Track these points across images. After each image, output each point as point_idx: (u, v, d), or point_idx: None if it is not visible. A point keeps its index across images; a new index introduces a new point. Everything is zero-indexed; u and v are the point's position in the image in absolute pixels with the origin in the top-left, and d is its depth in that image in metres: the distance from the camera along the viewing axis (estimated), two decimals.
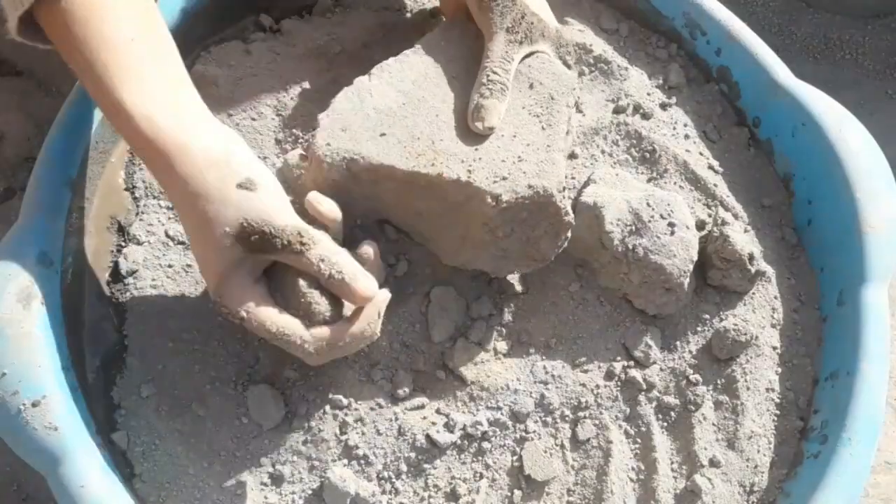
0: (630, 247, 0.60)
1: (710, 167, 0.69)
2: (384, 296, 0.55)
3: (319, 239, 0.53)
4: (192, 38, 0.69)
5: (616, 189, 0.63)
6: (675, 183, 0.68)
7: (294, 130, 0.67)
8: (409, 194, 0.57)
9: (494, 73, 0.59)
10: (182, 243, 0.63)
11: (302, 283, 0.53)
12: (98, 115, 0.64)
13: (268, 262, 0.54)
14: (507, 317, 0.62)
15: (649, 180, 0.67)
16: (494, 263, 0.59)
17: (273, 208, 0.53)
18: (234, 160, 0.53)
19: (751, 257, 0.62)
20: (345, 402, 0.58)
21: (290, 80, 0.69)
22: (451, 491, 0.57)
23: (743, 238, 0.62)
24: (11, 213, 0.71)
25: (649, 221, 0.60)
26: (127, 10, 0.54)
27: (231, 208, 0.52)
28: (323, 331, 0.53)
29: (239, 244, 0.52)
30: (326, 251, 0.53)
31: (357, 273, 0.53)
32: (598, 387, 0.60)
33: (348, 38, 0.72)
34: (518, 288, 0.62)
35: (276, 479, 0.56)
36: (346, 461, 0.56)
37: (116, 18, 0.53)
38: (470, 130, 0.58)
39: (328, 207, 0.55)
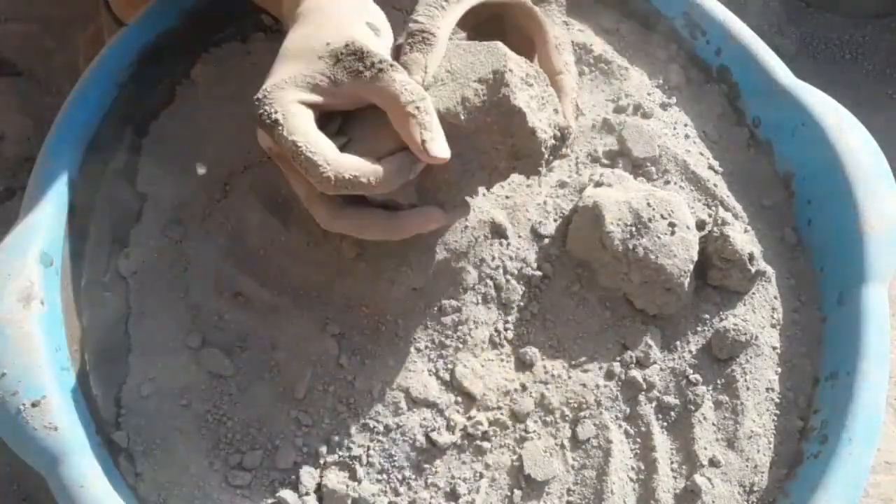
0: (630, 247, 0.60)
1: (710, 167, 0.69)
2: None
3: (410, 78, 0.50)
4: (192, 38, 0.69)
5: (616, 189, 0.63)
6: (675, 183, 0.68)
7: None
8: None
9: (415, 21, 0.54)
10: (181, 245, 0.63)
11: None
12: (98, 114, 0.64)
13: (337, 101, 0.51)
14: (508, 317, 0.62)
15: (649, 180, 0.67)
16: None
17: (385, 51, 0.52)
18: (371, 6, 0.54)
19: (751, 257, 0.62)
20: (345, 403, 0.58)
21: None
22: (451, 491, 0.57)
23: (743, 238, 0.62)
24: (11, 213, 0.71)
25: (649, 221, 0.60)
26: None
27: (347, 30, 0.51)
28: (352, 159, 0.49)
29: (332, 60, 0.50)
30: (411, 80, 0.50)
31: (436, 125, 0.49)
32: (598, 387, 0.60)
33: None
34: (518, 288, 0.62)
35: (279, 479, 0.56)
36: (346, 461, 0.56)
37: None
38: None
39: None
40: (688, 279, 0.61)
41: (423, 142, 0.49)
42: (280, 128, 0.49)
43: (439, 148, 0.49)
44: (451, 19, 0.55)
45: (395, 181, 0.51)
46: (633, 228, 0.60)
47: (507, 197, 0.64)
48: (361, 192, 0.50)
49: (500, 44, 0.53)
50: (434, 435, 0.57)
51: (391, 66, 0.50)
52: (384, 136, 0.51)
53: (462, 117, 0.52)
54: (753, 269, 0.62)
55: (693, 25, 0.73)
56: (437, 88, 0.53)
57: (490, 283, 0.61)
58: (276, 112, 0.49)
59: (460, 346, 0.60)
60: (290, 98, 0.50)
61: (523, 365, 0.61)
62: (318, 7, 0.54)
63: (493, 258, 0.61)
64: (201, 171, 0.66)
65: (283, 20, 0.58)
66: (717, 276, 0.63)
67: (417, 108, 0.49)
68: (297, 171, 0.51)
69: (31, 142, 0.93)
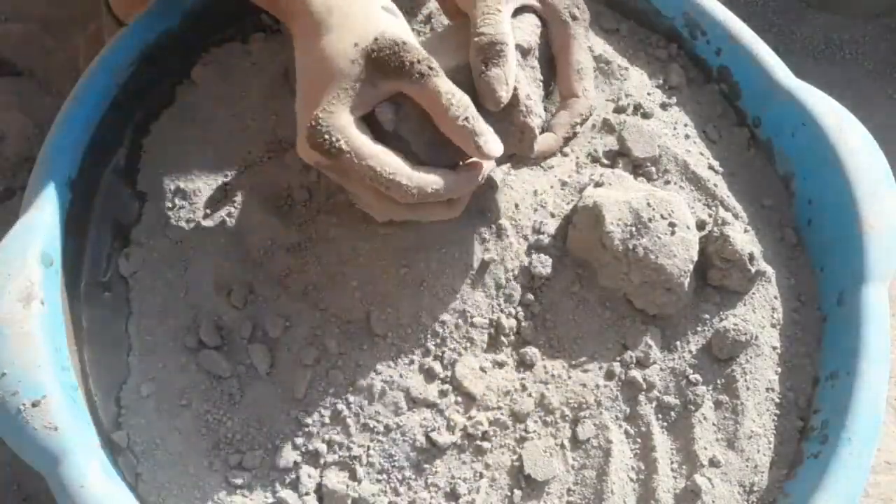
0: (630, 247, 0.60)
1: (710, 167, 0.69)
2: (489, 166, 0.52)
3: (446, 77, 0.50)
4: (193, 38, 0.69)
5: (616, 189, 0.63)
6: (675, 183, 0.68)
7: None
8: None
9: (482, 34, 0.53)
10: (182, 245, 0.63)
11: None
12: (98, 114, 0.64)
13: (381, 98, 0.51)
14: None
15: (649, 180, 0.67)
16: None
17: (410, 34, 0.51)
18: None
19: (751, 257, 0.62)
20: (345, 402, 0.58)
21: (290, 81, 0.69)
22: (451, 491, 0.57)
23: (743, 238, 0.62)
24: (11, 213, 0.71)
25: (649, 221, 0.60)
26: None
27: (371, 23, 0.50)
28: (430, 175, 0.50)
29: (365, 61, 0.49)
30: (454, 88, 0.49)
31: (486, 127, 0.50)
32: (598, 387, 0.60)
33: None
34: (518, 288, 0.62)
35: (279, 479, 0.56)
36: (346, 461, 0.56)
37: None
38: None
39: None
40: (688, 279, 0.61)
41: (479, 147, 0.50)
42: (348, 155, 0.49)
43: (494, 146, 0.51)
44: (508, 18, 0.55)
45: (470, 187, 0.53)
46: (633, 228, 0.60)
47: (507, 197, 0.64)
48: (439, 200, 0.52)
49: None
50: (434, 435, 0.57)
51: (431, 69, 0.49)
52: (433, 129, 0.52)
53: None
54: (753, 269, 0.62)
55: (693, 25, 0.73)
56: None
57: (490, 282, 0.61)
58: (337, 140, 0.49)
59: (460, 345, 0.60)
60: (345, 121, 0.50)
61: (523, 365, 0.61)
62: (327, 6, 0.52)
63: (494, 258, 0.61)
64: (201, 170, 0.66)
65: (283, 17, 0.57)
66: (717, 276, 0.63)
67: (467, 118, 0.50)
68: (357, 182, 0.51)
69: (31, 142, 0.93)
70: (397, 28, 0.51)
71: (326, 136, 0.49)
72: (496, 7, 0.54)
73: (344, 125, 0.49)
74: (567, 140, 0.61)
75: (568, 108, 0.61)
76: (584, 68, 0.60)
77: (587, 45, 0.60)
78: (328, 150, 0.49)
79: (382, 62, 0.49)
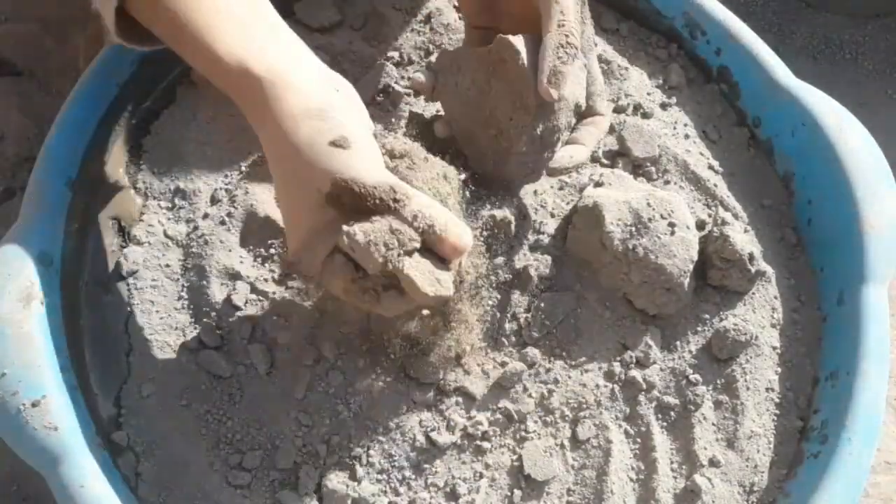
0: (630, 247, 0.60)
1: (710, 167, 0.69)
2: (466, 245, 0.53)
3: (413, 193, 0.51)
4: None
5: (616, 189, 0.63)
6: (675, 183, 0.68)
7: None
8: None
9: (573, 34, 0.55)
10: (182, 245, 0.63)
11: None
12: (98, 114, 0.64)
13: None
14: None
15: (649, 180, 0.67)
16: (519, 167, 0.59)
17: (365, 167, 0.50)
18: (331, 114, 0.51)
19: (751, 257, 0.62)
20: (344, 403, 0.58)
21: None
22: (451, 491, 0.57)
23: (743, 238, 0.62)
24: (11, 213, 0.71)
25: (649, 221, 0.60)
26: None
27: (322, 166, 0.50)
28: (398, 302, 0.52)
29: (330, 205, 0.50)
30: (420, 205, 0.50)
31: (449, 223, 0.51)
32: (598, 387, 0.60)
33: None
34: (519, 288, 0.62)
35: (279, 479, 0.56)
36: (346, 461, 0.56)
37: None
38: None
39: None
40: (688, 279, 0.61)
41: (456, 247, 0.51)
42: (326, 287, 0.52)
43: (464, 239, 0.52)
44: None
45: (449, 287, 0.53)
46: (633, 228, 0.60)
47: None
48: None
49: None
50: (434, 435, 0.57)
51: (396, 200, 0.50)
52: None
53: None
54: (753, 269, 0.62)
55: (693, 25, 0.73)
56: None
57: (491, 282, 0.61)
58: (311, 279, 0.52)
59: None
60: (317, 262, 0.51)
61: (523, 365, 0.61)
62: (279, 144, 0.52)
63: (494, 258, 0.61)
64: (201, 170, 0.66)
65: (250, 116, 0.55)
66: (717, 276, 0.63)
67: (442, 228, 0.50)
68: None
69: (31, 142, 0.93)
70: (347, 162, 0.50)
71: (308, 271, 0.52)
72: (583, 19, 0.58)
73: (317, 266, 0.51)
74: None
75: (595, 125, 0.62)
76: (598, 82, 0.62)
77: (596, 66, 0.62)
78: (310, 278, 0.53)
79: (352, 207, 0.50)
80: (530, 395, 0.59)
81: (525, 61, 0.56)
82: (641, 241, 0.60)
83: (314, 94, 0.52)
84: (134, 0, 0.52)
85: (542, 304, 0.62)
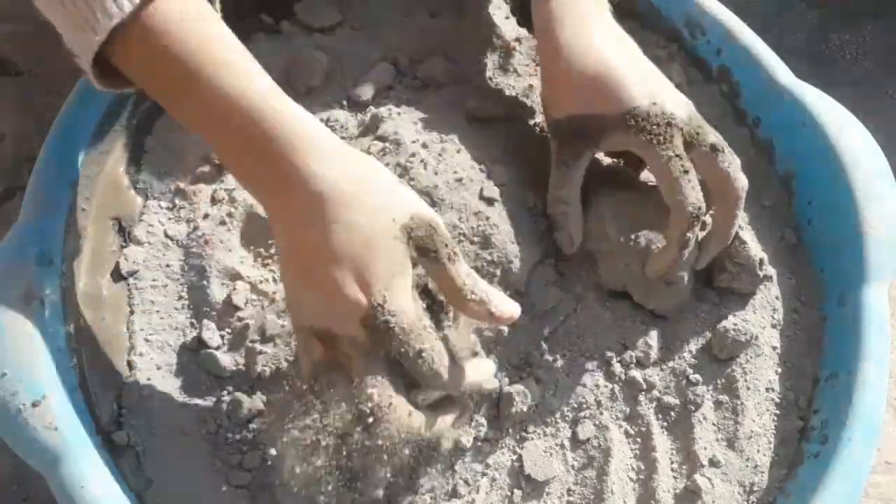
0: (632, 237, 0.60)
1: None
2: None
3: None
4: None
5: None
6: None
7: None
8: None
9: (690, 202, 0.56)
10: (182, 245, 0.63)
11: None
12: (98, 114, 0.64)
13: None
14: None
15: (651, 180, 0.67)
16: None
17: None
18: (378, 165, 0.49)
19: (761, 262, 0.62)
20: None
21: (290, 81, 0.69)
22: (451, 490, 0.57)
23: (756, 243, 0.62)
24: (11, 213, 0.71)
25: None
26: (204, 7, 0.48)
27: (398, 198, 0.48)
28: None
29: (406, 238, 0.47)
30: (469, 270, 0.49)
31: (496, 294, 0.50)
32: (598, 387, 0.60)
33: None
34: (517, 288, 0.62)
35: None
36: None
37: (202, 16, 0.48)
38: None
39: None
40: (688, 273, 0.61)
41: (493, 314, 0.50)
42: (404, 334, 0.46)
43: (509, 307, 0.50)
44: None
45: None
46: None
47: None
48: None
49: None
50: None
51: (456, 254, 0.49)
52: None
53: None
54: (762, 274, 0.62)
55: (693, 25, 0.73)
56: None
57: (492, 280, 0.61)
58: (401, 322, 0.46)
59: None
60: (407, 301, 0.47)
61: (524, 365, 0.61)
62: (335, 176, 0.47)
63: (494, 256, 0.61)
64: (202, 170, 0.66)
65: (261, 192, 0.50)
66: (727, 278, 0.63)
67: (482, 296, 0.49)
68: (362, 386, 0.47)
69: (31, 142, 0.93)
70: (424, 205, 0.49)
71: (391, 318, 0.45)
72: (686, 169, 0.57)
73: (408, 305, 0.47)
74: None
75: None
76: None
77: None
78: (386, 330, 0.46)
79: (420, 243, 0.47)
80: (530, 396, 0.59)
81: None
82: (643, 232, 0.60)
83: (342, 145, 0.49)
84: (120, 41, 0.47)
85: (542, 305, 0.62)
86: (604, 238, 0.61)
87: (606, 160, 0.67)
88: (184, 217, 0.64)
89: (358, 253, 0.46)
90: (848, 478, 0.55)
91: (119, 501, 0.51)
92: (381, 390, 0.46)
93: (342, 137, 0.63)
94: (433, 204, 0.58)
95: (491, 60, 0.71)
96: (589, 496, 0.58)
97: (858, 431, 0.56)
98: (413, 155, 0.61)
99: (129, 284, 0.61)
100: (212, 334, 0.59)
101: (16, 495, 0.80)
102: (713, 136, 0.59)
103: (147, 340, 0.59)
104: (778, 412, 0.61)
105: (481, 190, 0.60)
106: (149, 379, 0.58)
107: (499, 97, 0.69)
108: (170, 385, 0.58)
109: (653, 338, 0.62)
